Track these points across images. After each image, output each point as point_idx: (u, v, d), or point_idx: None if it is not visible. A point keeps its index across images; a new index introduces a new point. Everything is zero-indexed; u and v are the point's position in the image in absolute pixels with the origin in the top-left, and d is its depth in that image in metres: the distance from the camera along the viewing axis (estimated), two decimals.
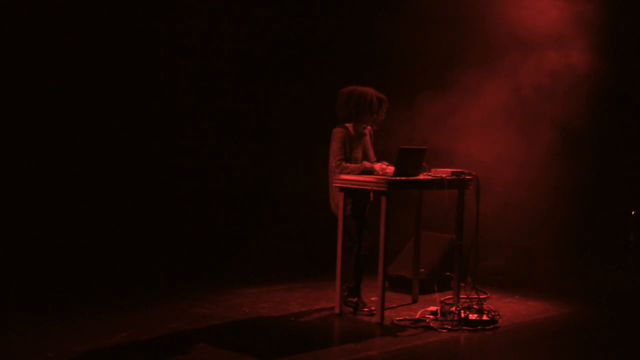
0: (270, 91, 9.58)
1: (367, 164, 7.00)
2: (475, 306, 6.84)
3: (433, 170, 7.08)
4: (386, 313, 6.86)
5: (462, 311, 6.74)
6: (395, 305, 7.34)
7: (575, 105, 9.54)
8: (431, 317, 6.87)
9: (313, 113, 9.26)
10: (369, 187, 6.81)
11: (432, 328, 6.65)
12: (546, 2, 9.18)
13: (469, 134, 9.19)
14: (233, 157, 9.32)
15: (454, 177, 7.02)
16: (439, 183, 6.94)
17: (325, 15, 9.85)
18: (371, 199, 7.16)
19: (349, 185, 6.83)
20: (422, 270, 7.76)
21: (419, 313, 6.97)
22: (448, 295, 7.52)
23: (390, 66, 9.78)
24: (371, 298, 7.17)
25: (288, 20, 9.65)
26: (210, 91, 9.12)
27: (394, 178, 6.72)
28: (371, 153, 7.23)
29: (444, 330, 6.59)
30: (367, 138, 7.22)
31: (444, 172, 7.03)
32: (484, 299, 7.28)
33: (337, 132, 7.01)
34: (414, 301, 7.54)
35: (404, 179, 6.79)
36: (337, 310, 6.98)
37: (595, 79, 9.39)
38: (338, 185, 6.89)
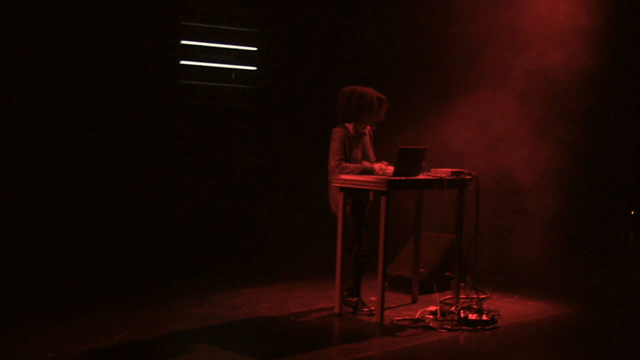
0: (270, 91, 9.58)
1: (366, 163, 7.00)
2: (475, 306, 6.84)
3: (433, 170, 7.08)
4: (386, 313, 6.86)
5: (461, 311, 6.74)
6: (395, 305, 7.34)
7: (575, 105, 9.56)
8: (431, 317, 6.87)
9: (313, 113, 9.27)
10: (369, 187, 6.81)
11: (431, 328, 6.65)
12: (548, 3, 9.19)
13: (469, 134, 9.21)
14: (233, 157, 9.32)
15: (453, 177, 7.02)
16: (438, 183, 6.94)
17: (325, 15, 9.85)
18: (371, 199, 7.17)
19: (348, 185, 6.83)
20: (422, 270, 7.76)
21: (419, 313, 6.97)
22: (448, 295, 7.52)
23: (390, 66, 9.80)
24: (371, 298, 7.17)
25: (288, 19, 9.66)
26: (210, 91, 9.13)
27: (393, 178, 6.72)
28: (371, 153, 7.23)
29: (444, 330, 6.59)
30: (367, 138, 7.22)
31: (443, 172, 7.03)
32: (483, 299, 7.27)
33: (337, 132, 7.01)
34: (414, 301, 7.53)
35: (403, 179, 6.79)
36: (336, 310, 6.98)
37: (595, 80, 9.41)
38: (338, 185, 6.89)
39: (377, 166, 6.98)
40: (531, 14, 9.15)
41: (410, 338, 6.40)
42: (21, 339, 5.97)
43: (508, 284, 8.39)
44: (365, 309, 7.03)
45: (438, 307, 6.97)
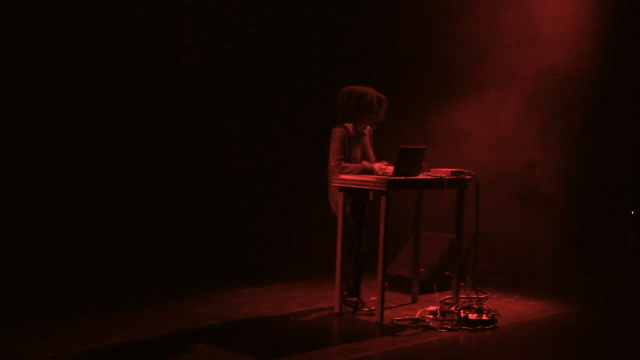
0: (271, 90, 9.58)
1: (366, 163, 7.01)
2: (475, 306, 6.84)
3: (433, 170, 7.08)
4: (386, 313, 6.86)
5: (462, 311, 6.74)
6: (395, 305, 7.34)
7: (576, 105, 9.56)
8: (431, 317, 6.87)
9: (313, 113, 9.26)
10: (369, 187, 6.81)
11: (432, 328, 6.65)
12: (553, 4, 9.20)
13: (469, 134, 9.21)
14: (233, 157, 9.32)
15: (453, 177, 7.02)
16: (438, 183, 6.94)
17: (326, 14, 9.85)
18: (371, 199, 7.17)
19: (348, 185, 6.84)
20: (422, 270, 7.76)
21: (419, 313, 6.97)
22: (448, 295, 7.52)
23: (391, 66, 9.80)
24: (371, 298, 7.17)
25: (288, 19, 9.65)
26: (210, 91, 9.12)
27: (393, 178, 6.72)
28: (371, 153, 7.23)
29: (444, 330, 6.59)
30: (367, 138, 7.22)
31: (443, 172, 7.03)
32: (483, 299, 7.28)
33: (337, 132, 7.01)
34: (414, 301, 7.54)
35: (403, 179, 6.79)
36: (336, 310, 6.98)
37: (596, 80, 9.41)
38: (338, 185, 6.89)
39: (377, 166, 6.98)
40: (534, 14, 9.15)
41: (410, 338, 6.40)
42: (21, 339, 5.98)
43: (508, 284, 8.39)
44: (366, 309, 7.03)
45: (438, 307, 6.97)
